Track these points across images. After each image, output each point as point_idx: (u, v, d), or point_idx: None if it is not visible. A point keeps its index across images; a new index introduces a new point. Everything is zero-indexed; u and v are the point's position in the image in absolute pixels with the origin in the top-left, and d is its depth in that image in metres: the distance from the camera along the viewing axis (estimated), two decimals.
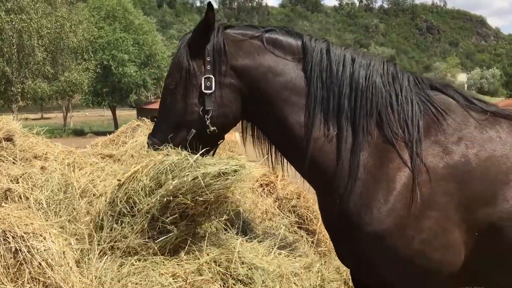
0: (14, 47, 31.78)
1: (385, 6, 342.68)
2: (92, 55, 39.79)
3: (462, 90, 3.24)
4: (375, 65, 3.03)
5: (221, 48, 3.00)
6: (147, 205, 2.98)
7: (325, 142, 2.96)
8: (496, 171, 2.82)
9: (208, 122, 3.00)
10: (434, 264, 2.80)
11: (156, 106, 49.33)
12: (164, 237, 3.03)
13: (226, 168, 2.98)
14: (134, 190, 3.02)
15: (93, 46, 42.27)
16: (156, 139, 3.11)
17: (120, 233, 3.02)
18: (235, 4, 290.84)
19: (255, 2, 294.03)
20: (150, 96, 63.56)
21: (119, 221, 3.06)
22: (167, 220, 3.01)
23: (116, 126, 49.81)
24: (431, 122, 2.94)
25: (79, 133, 48.63)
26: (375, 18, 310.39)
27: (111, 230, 3.06)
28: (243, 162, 3.07)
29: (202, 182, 2.90)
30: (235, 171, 3.02)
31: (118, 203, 3.05)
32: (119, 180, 3.05)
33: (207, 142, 3.12)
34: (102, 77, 46.94)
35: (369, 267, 2.97)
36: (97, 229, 3.12)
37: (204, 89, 2.98)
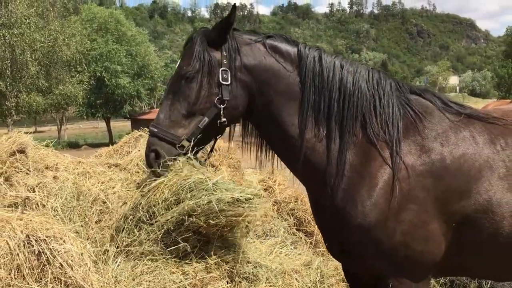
0: (8, 61, 31.85)
1: (375, 11, 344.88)
2: (85, 67, 39.92)
3: (439, 94, 3.50)
4: (361, 72, 3.29)
5: (236, 46, 3.24)
6: (163, 219, 3.17)
7: (316, 142, 3.21)
8: (469, 168, 3.07)
9: (221, 112, 3.18)
10: (416, 254, 3.03)
11: (150, 116, 49.28)
12: (176, 247, 3.20)
13: (240, 196, 3.18)
14: (155, 200, 3.20)
15: (86, 58, 42.38)
16: (163, 127, 3.18)
17: (137, 238, 3.22)
18: (226, 13, 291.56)
19: (246, 11, 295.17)
20: (144, 107, 63.71)
21: (138, 227, 3.26)
22: (180, 238, 3.20)
23: (111, 138, 49.90)
24: (410, 124, 3.18)
25: (73, 145, 48.50)
26: (365, 24, 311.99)
27: (128, 234, 3.26)
28: (257, 192, 3.26)
29: (216, 207, 3.10)
30: (249, 199, 3.21)
31: (140, 210, 3.25)
32: (142, 190, 3.22)
33: (212, 133, 3.34)
34: (96, 89, 47.03)
35: (357, 258, 3.20)
36: (118, 231, 3.32)
37: (222, 80, 3.17)
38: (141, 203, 3.26)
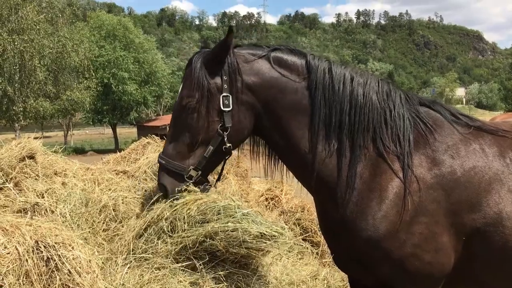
0: (16, 67, 32.10)
1: (382, 22, 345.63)
2: (93, 73, 40.14)
3: (448, 105, 3.49)
4: (371, 83, 3.26)
5: (236, 67, 3.15)
6: (183, 236, 3.13)
7: (327, 156, 3.19)
8: (479, 180, 3.07)
9: (226, 139, 3.14)
10: (425, 265, 3.03)
11: (156, 123, 49.32)
12: (188, 263, 3.16)
13: (266, 231, 3.10)
14: (181, 214, 3.16)
15: (94, 65, 42.59)
16: (170, 158, 3.19)
17: (154, 247, 3.20)
18: (234, 22, 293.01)
19: (253, 20, 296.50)
20: (150, 114, 63.92)
21: (158, 236, 3.23)
22: (194, 256, 3.17)
23: (117, 144, 50.07)
24: (420, 136, 3.18)
25: (79, 151, 48.70)
26: (372, 34, 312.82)
27: (146, 241, 3.24)
28: (283, 231, 3.20)
29: (240, 237, 3.04)
30: (273, 236, 3.13)
31: (163, 220, 3.21)
32: (172, 201, 3.19)
33: (219, 158, 3.32)
34: (103, 95, 47.30)
35: (366, 269, 3.19)
36: (136, 237, 3.31)
37: (223, 107, 3.11)
38: (166, 213, 3.21)
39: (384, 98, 3.25)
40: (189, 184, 3.20)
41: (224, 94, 3.14)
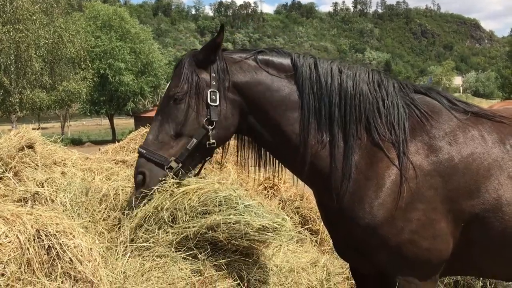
0: (12, 57, 31.88)
1: (380, 11, 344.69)
2: (89, 64, 39.92)
3: (444, 92, 3.51)
4: (361, 75, 3.30)
5: (225, 66, 3.25)
6: (185, 226, 3.15)
7: (320, 148, 3.22)
8: (477, 167, 3.08)
9: (210, 133, 3.20)
10: (423, 251, 3.05)
11: (153, 114, 49.48)
12: (189, 253, 3.19)
13: (268, 224, 3.14)
14: (182, 205, 3.18)
15: (90, 55, 42.31)
16: (151, 148, 3.24)
17: (155, 237, 3.21)
18: (230, 11, 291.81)
19: (250, 9, 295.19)
20: (147, 104, 63.74)
21: (159, 226, 3.24)
22: (195, 246, 3.19)
23: (114, 135, 49.96)
24: (416, 123, 3.19)
25: (77, 142, 48.53)
26: (369, 23, 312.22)
27: (146, 231, 3.25)
28: (285, 223, 3.23)
29: (242, 230, 3.07)
30: (275, 228, 3.17)
31: (164, 210, 3.22)
32: (172, 191, 3.21)
33: (201, 155, 3.35)
34: (99, 86, 47.08)
35: (365, 257, 3.22)
36: (137, 227, 3.31)
37: (210, 101, 3.20)
38: (166, 203, 3.22)
39: (376, 88, 3.28)
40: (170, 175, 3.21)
41: (212, 89, 3.22)
